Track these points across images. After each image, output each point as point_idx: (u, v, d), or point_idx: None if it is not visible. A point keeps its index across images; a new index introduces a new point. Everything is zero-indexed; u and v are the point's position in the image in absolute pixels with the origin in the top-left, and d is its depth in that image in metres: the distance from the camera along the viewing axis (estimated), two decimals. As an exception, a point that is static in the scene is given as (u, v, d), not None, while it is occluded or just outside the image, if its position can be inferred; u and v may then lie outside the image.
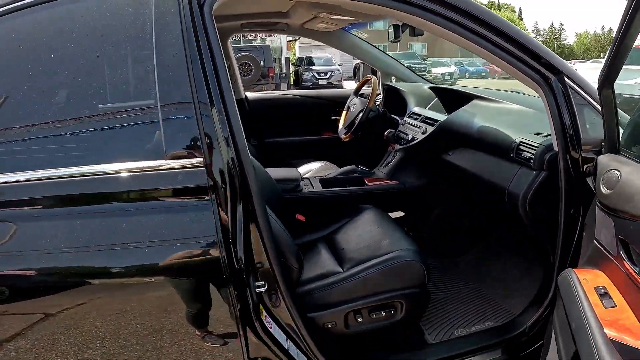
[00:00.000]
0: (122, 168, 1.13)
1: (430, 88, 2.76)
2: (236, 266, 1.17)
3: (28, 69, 1.19)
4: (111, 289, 1.18)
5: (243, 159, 1.19)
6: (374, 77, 2.69)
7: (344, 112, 2.85)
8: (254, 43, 15.92)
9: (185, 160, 1.15)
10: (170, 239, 1.15)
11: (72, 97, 1.21)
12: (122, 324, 1.17)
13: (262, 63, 12.89)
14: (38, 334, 1.13)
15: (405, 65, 3.24)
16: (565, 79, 1.41)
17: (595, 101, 1.38)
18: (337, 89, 13.07)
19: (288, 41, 20.98)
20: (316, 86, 16.61)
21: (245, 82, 11.35)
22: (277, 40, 17.27)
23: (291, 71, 19.93)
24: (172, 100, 1.18)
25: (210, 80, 1.17)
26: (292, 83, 18.61)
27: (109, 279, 1.16)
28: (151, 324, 1.18)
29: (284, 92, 4.35)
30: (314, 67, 17.96)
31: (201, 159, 1.14)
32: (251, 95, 3.31)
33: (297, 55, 23.56)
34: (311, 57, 19.10)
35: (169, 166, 1.15)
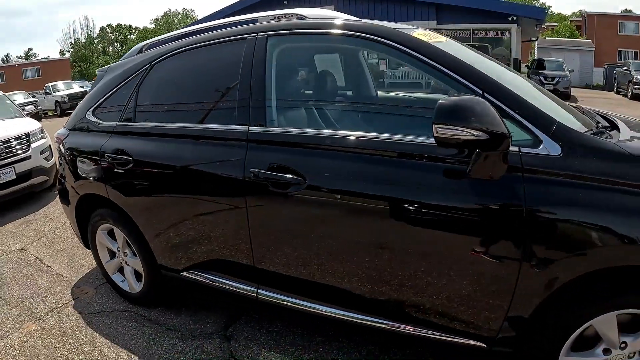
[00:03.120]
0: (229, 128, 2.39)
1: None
2: None
3: (203, 78, 2.65)
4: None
5: None
6: None
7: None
8: (483, 42, 15.94)
9: (242, 126, 2.33)
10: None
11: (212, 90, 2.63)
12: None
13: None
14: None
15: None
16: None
17: None
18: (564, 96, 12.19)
19: (523, 41, 19.94)
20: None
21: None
22: (506, 39, 16.64)
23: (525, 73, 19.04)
24: (242, 97, 2.37)
25: (259, 86, 2.32)
26: (521, 84, 17.70)
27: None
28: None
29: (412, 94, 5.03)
30: (542, 71, 16.94)
31: (246, 127, 2.31)
32: (380, 93, 4.22)
33: (536, 56, 22.04)
34: (542, 60, 17.95)
35: (237, 129, 2.35)
